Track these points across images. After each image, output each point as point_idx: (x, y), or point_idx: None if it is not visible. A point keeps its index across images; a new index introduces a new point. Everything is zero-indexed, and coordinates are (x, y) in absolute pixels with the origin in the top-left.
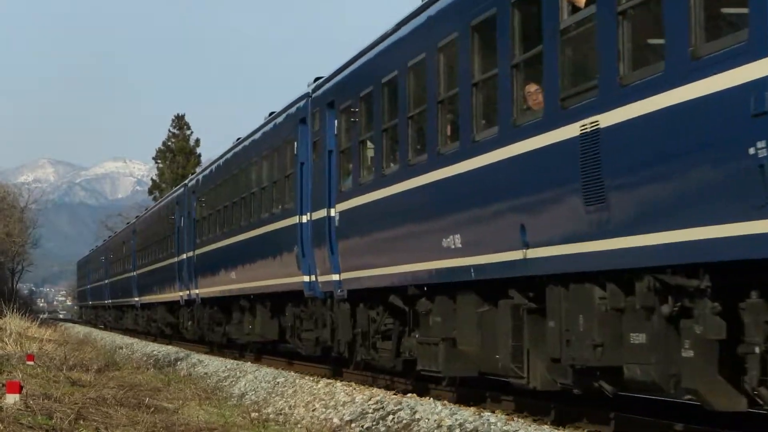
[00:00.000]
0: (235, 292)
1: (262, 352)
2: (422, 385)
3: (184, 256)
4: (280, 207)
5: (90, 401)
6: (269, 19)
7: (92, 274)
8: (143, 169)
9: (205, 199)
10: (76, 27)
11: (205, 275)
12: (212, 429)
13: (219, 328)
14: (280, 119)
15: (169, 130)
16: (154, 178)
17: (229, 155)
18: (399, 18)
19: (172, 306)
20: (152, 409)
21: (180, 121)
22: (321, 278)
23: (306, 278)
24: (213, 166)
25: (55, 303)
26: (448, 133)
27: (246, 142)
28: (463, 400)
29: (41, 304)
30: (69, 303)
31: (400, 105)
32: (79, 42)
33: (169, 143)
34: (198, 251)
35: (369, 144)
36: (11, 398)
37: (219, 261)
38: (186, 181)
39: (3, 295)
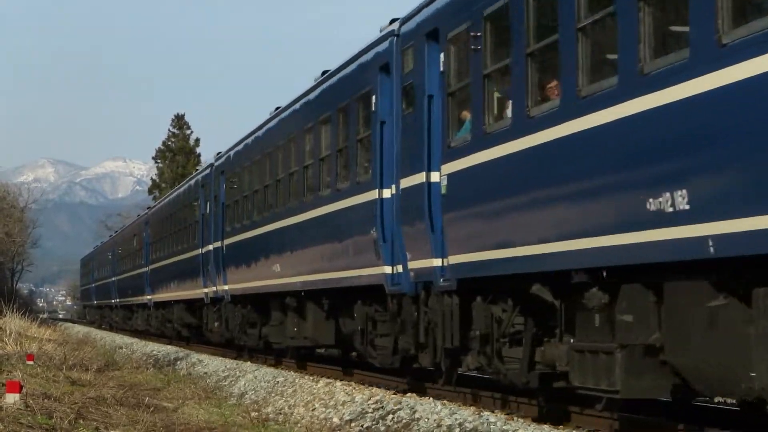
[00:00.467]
0: (279, 288)
1: (306, 358)
2: (560, 409)
3: (210, 246)
4: (348, 181)
5: (90, 401)
6: (269, 19)
7: (97, 271)
8: (143, 169)
9: (237, 180)
10: (75, 27)
11: (237, 269)
12: (212, 428)
13: (253, 330)
14: (347, 71)
15: (169, 130)
16: (154, 177)
17: (271, 124)
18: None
19: (192, 305)
20: (152, 408)
21: (180, 121)
22: (413, 265)
23: (388, 269)
24: (249, 139)
25: (54, 303)
26: (655, 41)
27: (296, 106)
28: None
29: (41, 304)
30: (69, 303)
31: (563, 13)
32: (78, 41)
33: (169, 143)
34: (228, 241)
35: (499, 78)
36: (11, 398)
37: (256, 251)
38: (212, 160)
39: (3, 295)
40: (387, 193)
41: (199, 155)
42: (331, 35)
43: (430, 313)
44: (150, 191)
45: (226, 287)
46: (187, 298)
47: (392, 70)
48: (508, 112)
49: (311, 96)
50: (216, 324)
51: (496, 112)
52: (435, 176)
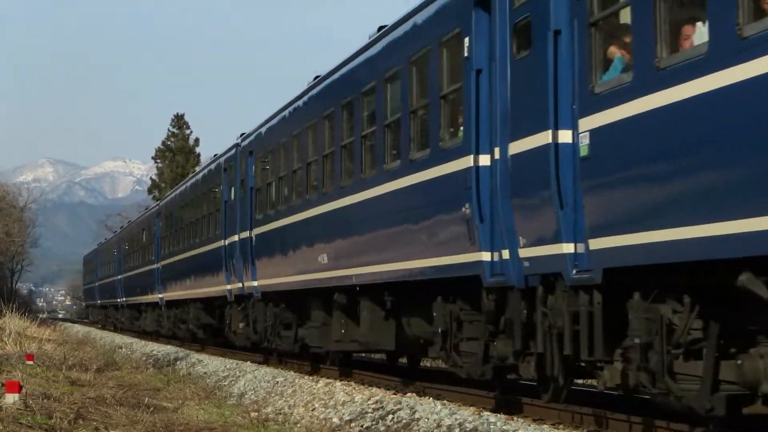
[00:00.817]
0: (325, 282)
1: (347, 364)
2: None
3: (236, 237)
4: (426, 149)
5: (89, 401)
6: (269, 19)
7: (102, 269)
8: (143, 169)
9: (270, 160)
10: (75, 27)
11: (269, 261)
12: (212, 428)
13: (288, 332)
14: (424, 15)
15: (169, 130)
16: (154, 177)
17: (316, 91)
18: None
19: (210, 303)
20: (152, 408)
21: (179, 121)
22: (527, 252)
23: (485, 255)
24: (285, 112)
25: (54, 303)
26: None
27: (351, 65)
28: None
29: (40, 304)
30: (68, 303)
31: None
32: (78, 42)
33: (169, 143)
34: (258, 230)
35: None
36: (11, 398)
37: (295, 241)
38: (238, 140)
39: (2, 295)
40: (485, 160)
41: (198, 155)
42: (331, 36)
43: (551, 314)
44: (150, 191)
45: (255, 283)
46: (206, 296)
47: (494, 5)
48: (697, 38)
49: (371, 53)
50: (241, 325)
51: (671, 40)
52: (565, 135)
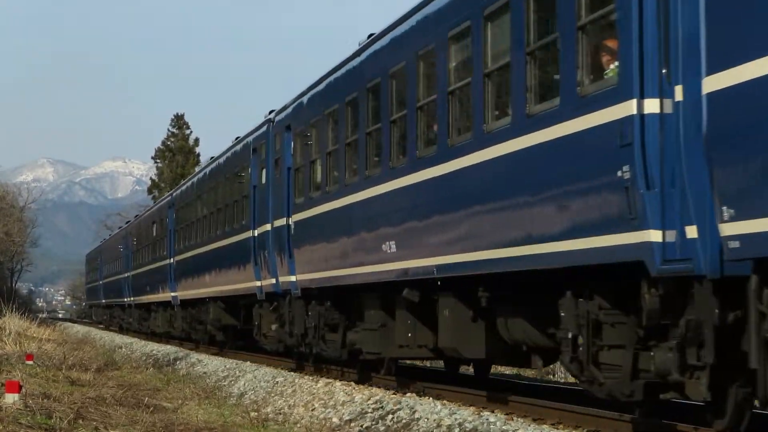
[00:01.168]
0: (390, 275)
1: (412, 375)
2: None
3: (268, 226)
4: (555, 98)
5: (89, 401)
6: (270, 19)
7: (106, 267)
8: (142, 169)
9: (315, 133)
10: (75, 27)
11: (312, 252)
12: (211, 428)
13: (334, 335)
14: None
15: (169, 130)
16: (154, 177)
17: (377, 46)
18: None
19: (234, 302)
20: (151, 408)
21: (179, 121)
22: (734, 228)
23: (655, 235)
24: (336, 75)
25: (54, 303)
26: None
27: (433, 6)
28: None
29: (40, 304)
30: (68, 303)
31: None
32: (78, 42)
33: (169, 143)
34: (298, 216)
35: None
36: (10, 398)
37: (350, 226)
38: (271, 115)
39: (2, 295)
40: (652, 106)
41: (198, 155)
42: (330, 37)
43: None
44: (149, 191)
45: (292, 278)
46: (230, 293)
47: None
48: None
49: None
50: (273, 327)
51: None
52: None
